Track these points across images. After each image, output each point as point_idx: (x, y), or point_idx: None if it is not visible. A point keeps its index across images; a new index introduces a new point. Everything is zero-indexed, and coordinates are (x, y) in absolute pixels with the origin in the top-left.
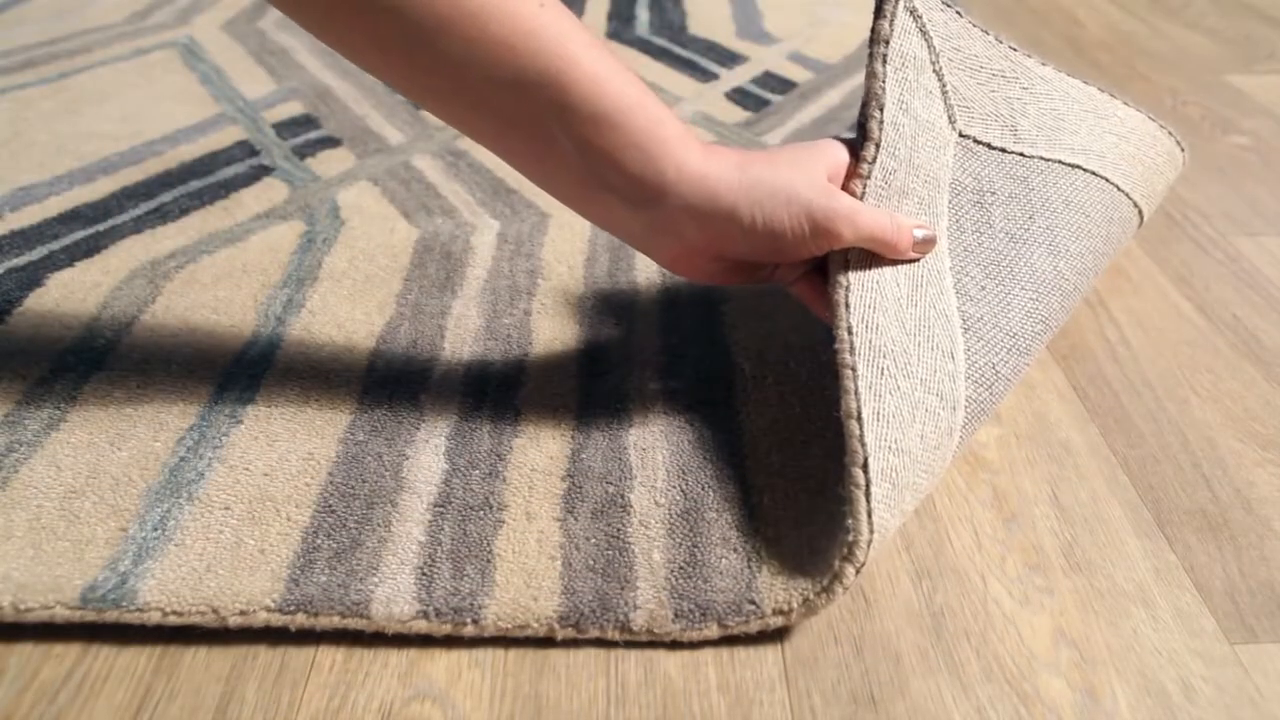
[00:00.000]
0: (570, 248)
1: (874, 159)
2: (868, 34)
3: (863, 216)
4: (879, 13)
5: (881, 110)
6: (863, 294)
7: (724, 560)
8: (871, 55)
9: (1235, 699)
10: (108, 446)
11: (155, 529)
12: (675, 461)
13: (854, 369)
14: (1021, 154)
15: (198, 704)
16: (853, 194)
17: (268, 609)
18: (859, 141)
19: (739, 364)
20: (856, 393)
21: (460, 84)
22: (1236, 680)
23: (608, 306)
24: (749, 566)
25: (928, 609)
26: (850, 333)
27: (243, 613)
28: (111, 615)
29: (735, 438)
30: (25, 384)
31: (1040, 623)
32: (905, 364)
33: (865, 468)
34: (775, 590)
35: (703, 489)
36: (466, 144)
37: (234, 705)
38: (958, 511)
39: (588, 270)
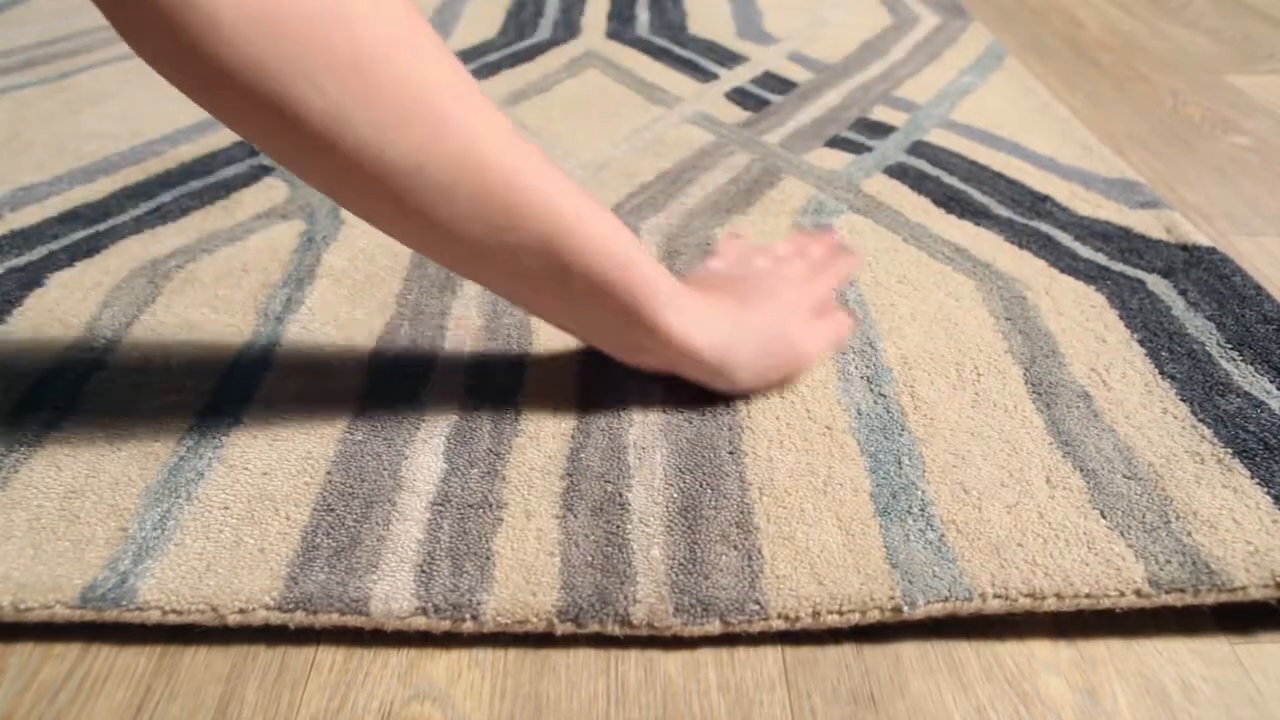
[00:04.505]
0: None
1: None
2: (867, 34)
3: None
4: None
5: None
6: None
7: (724, 557)
8: None
9: (1235, 699)
10: (108, 446)
11: (155, 528)
12: (674, 460)
13: None
14: None
15: (198, 704)
16: None
17: (267, 607)
18: None
19: None
20: None
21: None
22: (1236, 680)
23: None
24: (750, 564)
25: None
26: None
27: (242, 611)
28: (111, 614)
29: (734, 436)
30: (25, 384)
31: (1040, 621)
32: None
33: None
34: (783, 595)
35: (701, 487)
36: None
37: (234, 705)
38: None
39: None
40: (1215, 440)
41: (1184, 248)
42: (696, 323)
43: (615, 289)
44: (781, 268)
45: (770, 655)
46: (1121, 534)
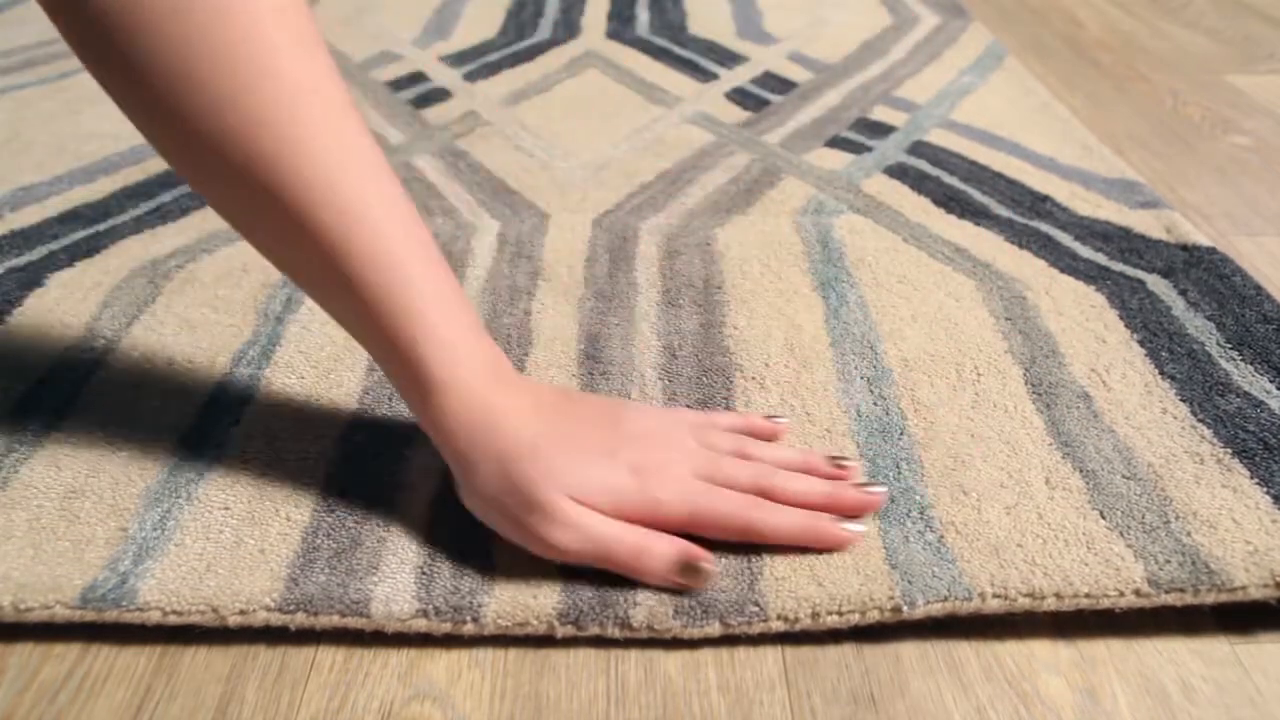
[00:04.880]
0: (570, 248)
1: None
2: (867, 34)
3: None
4: None
5: None
6: None
7: (723, 559)
8: None
9: (1235, 699)
10: (108, 446)
11: (155, 529)
12: None
13: None
14: None
15: (198, 704)
16: None
17: (267, 608)
18: None
19: (739, 364)
20: None
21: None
22: (1236, 680)
23: (608, 306)
24: (749, 566)
25: None
26: None
27: (242, 612)
28: (111, 615)
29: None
30: (25, 384)
31: (1040, 622)
32: None
33: None
34: (782, 596)
35: None
36: (467, 144)
37: (234, 705)
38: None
39: (588, 270)
40: (1215, 440)
41: (1184, 248)
42: (469, 416)
43: (399, 344)
44: (689, 453)
45: (770, 655)
46: (1121, 534)
